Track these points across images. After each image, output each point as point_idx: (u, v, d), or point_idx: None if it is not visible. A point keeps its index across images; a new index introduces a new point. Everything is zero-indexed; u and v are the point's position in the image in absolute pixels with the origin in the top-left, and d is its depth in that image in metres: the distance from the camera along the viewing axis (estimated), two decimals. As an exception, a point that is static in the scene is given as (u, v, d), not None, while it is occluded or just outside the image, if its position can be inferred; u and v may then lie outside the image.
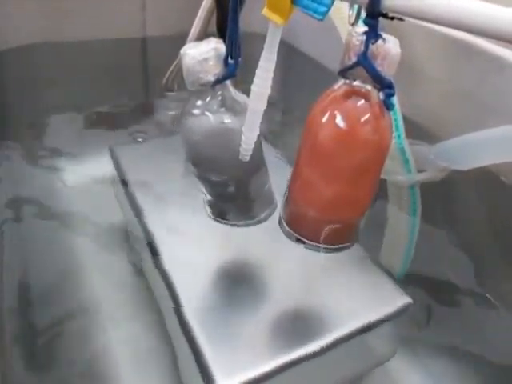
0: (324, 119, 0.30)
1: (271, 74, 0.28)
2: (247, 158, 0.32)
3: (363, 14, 0.27)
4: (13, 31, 0.65)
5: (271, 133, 0.53)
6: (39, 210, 0.40)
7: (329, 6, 0.24)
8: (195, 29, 0.49)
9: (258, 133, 0.31)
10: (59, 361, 0.29)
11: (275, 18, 0.25)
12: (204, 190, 0.38)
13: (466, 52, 0.47)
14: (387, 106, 0.29)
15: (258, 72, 0.28)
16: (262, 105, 0.29)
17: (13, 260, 0.35)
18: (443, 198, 0.46)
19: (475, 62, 0.46)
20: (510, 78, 0.43)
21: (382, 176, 0.34)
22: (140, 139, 0.50)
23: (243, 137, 0.31)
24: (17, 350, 0.30)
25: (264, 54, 0.27)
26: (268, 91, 0.29)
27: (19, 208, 0.40)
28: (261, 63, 0.28)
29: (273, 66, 0.28)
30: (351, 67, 0.28)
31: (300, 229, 0.35)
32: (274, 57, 0.27)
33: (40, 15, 0.66)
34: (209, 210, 0.37)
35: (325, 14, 0.24)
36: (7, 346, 0.30)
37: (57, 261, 0.36)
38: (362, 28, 0.28)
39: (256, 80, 0.29)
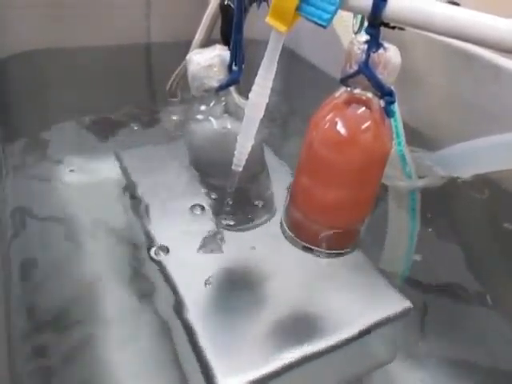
0: (325, 126, 0.31)
1: (270, 83, 0.28)
2: (240, 169, 0.31)
3: (366, 23, 0.27)
4: (17, 37, 0.66)
5: (272, 138, 0.53)
6: (43, 212, 0.40)
7: (333, 13, 0.24)
8: (199, 35, 0.49)
9: (253, 142, 0.30)
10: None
11: (278, 25, 0.25)
12: (206, 194, 0.38)
13: (464, 60, 0.47)
14: (388, 113, 0.30)
15: (257, 80, 0.28)
16: (259, 113, 0.29)
17: (18, 261, 0.35)
18: (443, 204, 0.46)
19: (473, 70, 0.47)
20: (506, 84, 0.44)
21: (383, 182, 0.34)
22: (144, 144, 0.50)
23: (237, 145, 0.30)
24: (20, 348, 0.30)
25: (264, 62, 0.27)
26: (266, 100, 0.28)
27: (24, 209, 0.40)
28: (260, 71, 0.28)
29: (272, 75, 0.28)
30: (352, 75, 0.29)
31: (301, 234, 0.35)
32: (275, 65, 0.27)
33: (44, 21, 0.66)
34: (212, 214, 0.37)
35: (329, 20, 0.24)
36: (14, 346, 0.30)
37: (59, 262, 0.36)
38: (363, 37, 0.28)
39: (255, 88, 0.28)
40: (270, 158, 0.44)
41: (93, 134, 0.52)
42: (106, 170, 0.45)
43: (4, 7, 0.63)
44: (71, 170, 0.45)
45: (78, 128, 0.52)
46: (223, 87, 0.34)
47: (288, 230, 0.36)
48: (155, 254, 0.35)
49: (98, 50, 0.69)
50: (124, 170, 0.43)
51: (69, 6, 0.67)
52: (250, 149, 0.31)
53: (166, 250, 0.36)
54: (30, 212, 0.40)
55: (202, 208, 0.39)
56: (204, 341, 0.29)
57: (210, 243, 0.35)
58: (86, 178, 0.44)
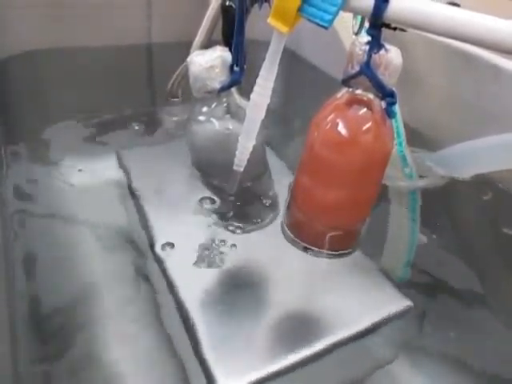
0: (326, 127, 0.31)
1: (271, 84, 0.28)
2: (241, 169, 0.32)
3: (366, 24, 0.27)
4: (17, 37, 0.65)
5: (273, 139, 0.53)
6: (44, 212, 0.40)
7: (334, 14, 0.24)
8: (200, 36, 0.49)
9: (254, 143, 0.30)
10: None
11: (280, 26, 0.25)
12: (209, 193, 0.39)
13: (464, 61, 0.47)
14: (389, 114, 0.30)
15: (258, 81, 0.28)
16: (261, 114, 0.29)
17: (20, 260, 0.35)
18: (443, 204, 0.46)
19: (473, 71, 0.47)
20: (506, 85, 0.44)
21: (384, 182, 0.34)
22: (145, 144, 0.50)
23: (239, 146, 0.31)
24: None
25: (266, 63, 0.27)
26: (267, 101, 0.29)
27: (25, 209, 0.40)
28: (262, 72, 0.28)
29: (274, 75, 0.28)
30: (354, 76, 0.29)
31: (302, 235, 0.35)
32: (276, 66, 0.27)
33: (44, 21, 0.66)
34: (214, 214, 0.38)
35: (331, 22, 0.24)
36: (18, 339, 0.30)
37: (62, 262, 0.36)
38: (365, 38, 0.28)
39: (256, 88, 0.28)
40: (271, 158, 0.44)
41: (94, 134, 0.52)
42: (107, 169, 0.45)
43: (4, 7, 0.63)
44: (70, 169, 0.45)
45: (78, 128, 0.52)
46: (225, 88, 0.34)
47: (288, 231, 0.36)
48: (157, 252, 0.35)
49: (99, 51, 0.69)
50: (125, 170, 0.43)
51: (69, 6, 0.67)
52: (251, 149, 0.31)
53: (168, 248, 0.36)
54: (32, 212, 0.40)
55: (204, 208, 0.39)
56: (205, 341, 0.29)
57: (210, 257, 0.35)
58: (87, 178, 0.44)
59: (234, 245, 0.36)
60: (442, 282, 0.38)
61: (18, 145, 0.48)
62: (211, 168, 0.38)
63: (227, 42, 0.37)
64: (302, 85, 0.71)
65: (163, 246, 0.36)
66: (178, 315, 0.31)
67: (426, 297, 0.36)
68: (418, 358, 0.32)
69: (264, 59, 0.27)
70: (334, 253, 0.35)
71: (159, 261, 0.35)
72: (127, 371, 0.29)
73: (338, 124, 0.30)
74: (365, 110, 0.30)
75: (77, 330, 0.31)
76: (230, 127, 0.35)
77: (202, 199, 0.39)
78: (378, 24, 0.25)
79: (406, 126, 0.45)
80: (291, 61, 0.74)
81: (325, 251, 0.35)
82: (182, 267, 0.34)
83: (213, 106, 0.35)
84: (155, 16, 0.72)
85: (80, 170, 0.45)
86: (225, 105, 0.35)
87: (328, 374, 0.31)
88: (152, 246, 0.36)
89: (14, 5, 0.64)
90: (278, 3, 0.25)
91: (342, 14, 0.25)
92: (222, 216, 0.37)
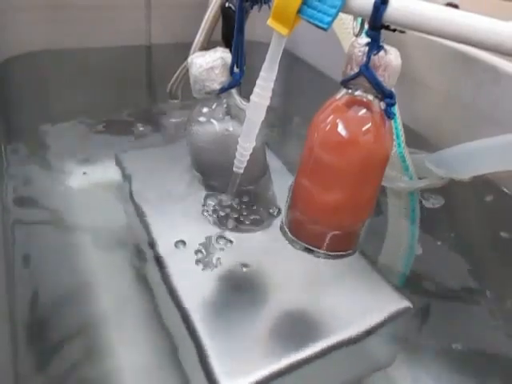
0: (326, 128, 0.31)
1: (271, 85, 0.28)
2: (241, 171, 0.32)
3: (366, 25, 0.27)
4: (18, 38, 0.66)
5: (273, 140, 0.53)
6: (43, 212, 0.40)
7: (334, 16, 0.24)
8: (199, 37, 0.49)
9: (254, 144, 0.31)
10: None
11: (280, 28, 0.26)
12: (209, 195, 0.39)
13: (464, 63, 0.48)
14: (388, 115, 0.30)
15: (258, 82, 0.28)
16: (260, 116, 0.29)
17: (19, 261, 0.36)
18: (443, 204, 0.46)
19: (473, 73, 0.47)
20: (506, 87, 0.44)
21: (383, 183, 0.34)
22: (144, 146, 0.50)
23: (238, 147, 0.31)
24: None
25: (266, 65, 0.28)
26: (267, 102, 0.29)
27: (26, 209, 0.40)
28: (262, 73, 0.28)
29: (274, 77, 0.28)
30: (353, 77, 0.29)
31: (302, 235, 0.35)
32: (276, 68, 0.27)
33: (45, 23, 0.66)
34: (213, 216, 0.38)
35: (330, 23, 0.24)
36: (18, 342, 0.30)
37: (59, 264, 0.36)
38: (364, 39, 0.28)
39: (256, 90, 0.28)
40: (271, 159, 0.44)
41: (93, 135, 0.52)
42: (107, 171, 0.45)
43: (4, 8, 0.64)
44: (70, 169, 0.45)
45: (79, 129, 0.53)
46: (225, 89, 0.34)
47: (288, 232, 0.36)
48: (157, 253, 0.35)
49: (99, 52, 0.70)
50: (124, 172, 0.43)
51: (69, 7, 0.67)
52: (251, 151, 0.31)
53: (167, 249, 0.36)
54: (32, 214, 0.40)
55: (205, 208, 0.39)
56: (205, 341, 0.29)
57: (210, 257, 0.35)
58: (88, 180, 0.45)
59: (234, 246, 0.36)
60: (441, 283, 0.38)
61: (19, 146, 0.48)
62: (211, 169, 0.38)
63: (227, 43, 0.37)
64: (301, 86, 0.71)
65: (163, 250, 0.36)
66: (178, 315, 0.31)
67: (425, 298, 0.36)
68: (417, 359, 0.32)
69: (264, 60, 0.28)
70: (333, 254, 0.35)
71: (159, 262, 0.35)
72: (127, 372, 0.29)
73: (337, 125, 0.30)
74: (364, 111, 0.30)
75: (76, 331, 0.31)
76: (230, 128, 0.35)
77: (202, 200, 0.39)
78: (377, 26, 0.25)
79: (405, 127, 0.45)
80: (290, 62, 0.75)
81: (324, 252, 0.35)
82: (182, 268, 0.34)
83: (213, 107, 0.35)
84: (155, 17, 0.72)
85: (84, 173, 0.45)
86: (225, 106, 0.35)
87: (327, 374, 0.31)
88: (152, 247, 0.36)
89: (15, 6, 0.64)
90: (277, 5, 0.25)
91: (340, 15, 0.25)
92: (222, 218, 0.37)
